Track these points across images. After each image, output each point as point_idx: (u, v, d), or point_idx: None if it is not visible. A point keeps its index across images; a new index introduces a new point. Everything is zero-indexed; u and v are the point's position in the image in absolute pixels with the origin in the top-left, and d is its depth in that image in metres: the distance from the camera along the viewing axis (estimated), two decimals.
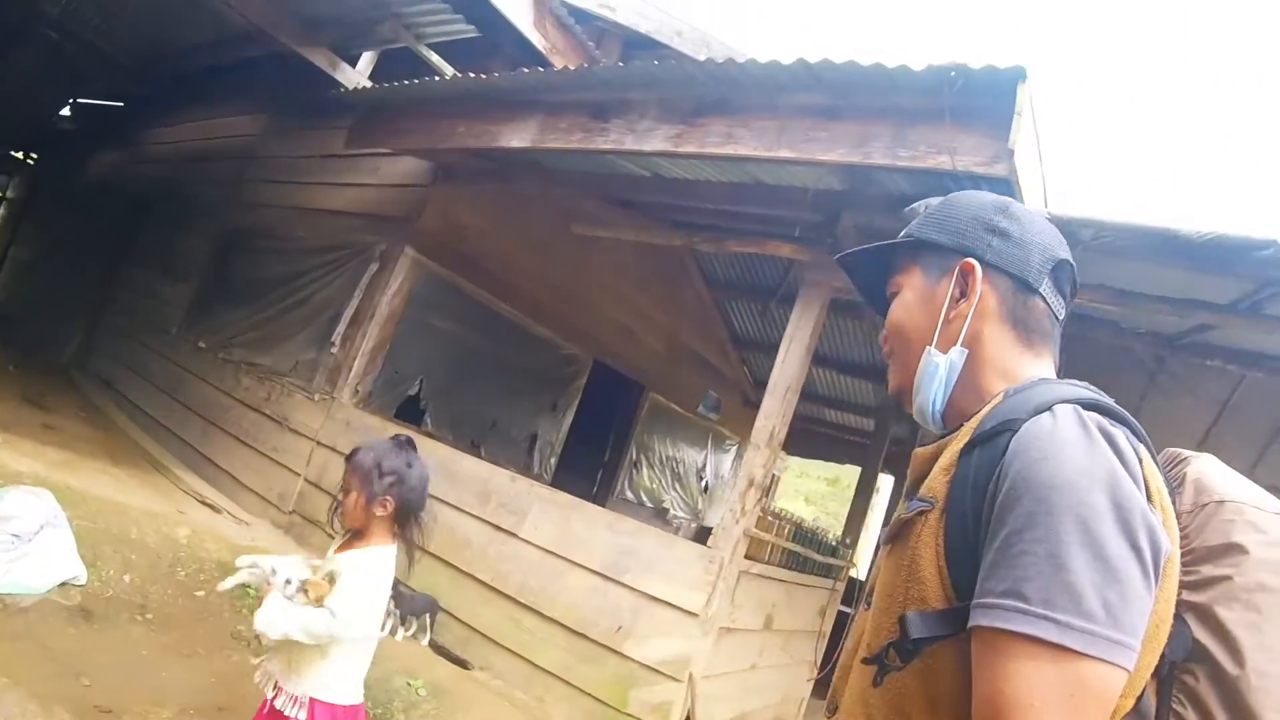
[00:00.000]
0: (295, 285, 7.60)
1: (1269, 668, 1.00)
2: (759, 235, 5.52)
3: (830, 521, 18.44)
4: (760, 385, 12.68)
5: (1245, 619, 1.02)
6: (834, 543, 6.73)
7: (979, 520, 1.01)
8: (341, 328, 6.84)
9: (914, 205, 1.41)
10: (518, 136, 5.06)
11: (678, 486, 12.11)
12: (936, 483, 1.10)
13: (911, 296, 1.31)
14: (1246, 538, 1.06)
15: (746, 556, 4.89)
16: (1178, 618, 1.04)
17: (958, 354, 1.21)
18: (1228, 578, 1.05)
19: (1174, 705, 1.04)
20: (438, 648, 5.10)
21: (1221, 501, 1.11)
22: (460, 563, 5.35)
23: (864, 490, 7.94)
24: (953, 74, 3.44)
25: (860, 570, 8.68)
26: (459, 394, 7.85)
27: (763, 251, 5.33)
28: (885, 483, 12.69)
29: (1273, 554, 1.05)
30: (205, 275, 9.08)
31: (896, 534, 1.15)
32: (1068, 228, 3.49)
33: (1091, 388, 1.11)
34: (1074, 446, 0.96)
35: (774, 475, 16.38)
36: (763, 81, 4.04)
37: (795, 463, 18.27)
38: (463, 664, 4.99)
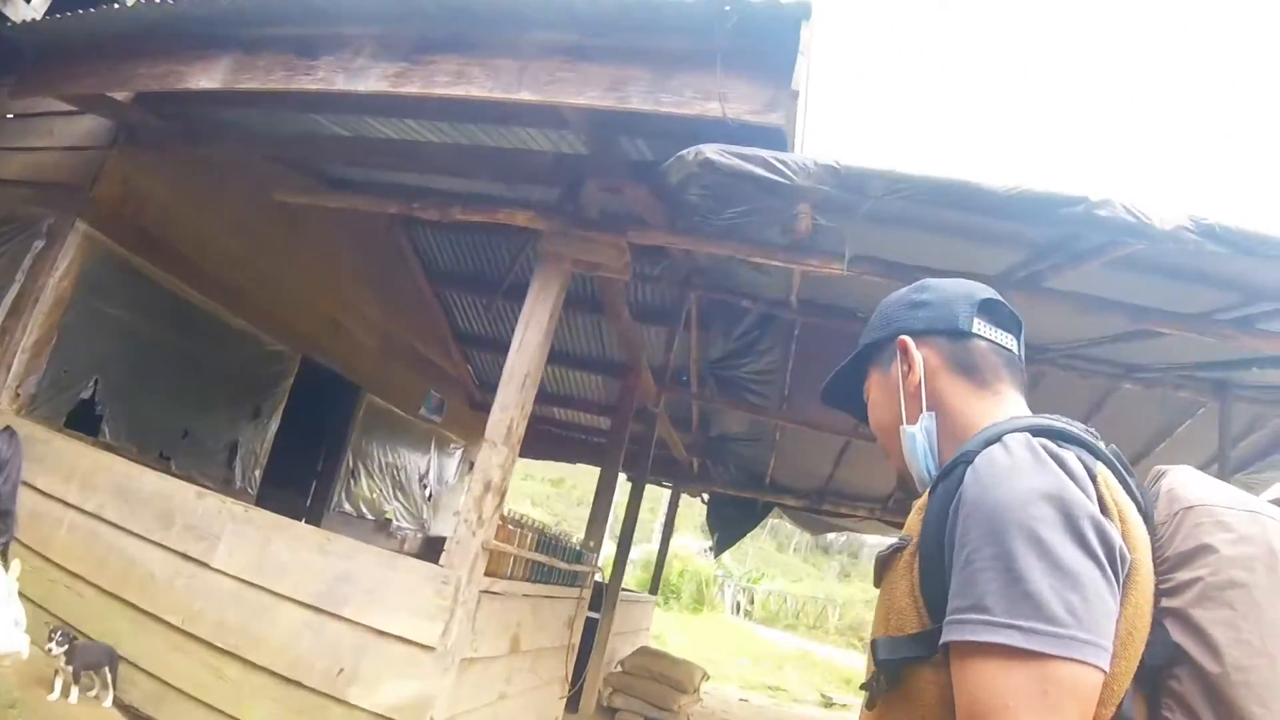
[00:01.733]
0: None
1: (1247, 661, 1.02)
2: (490, 205, 4.84)
3: (556, 524, 18.09)
4: (485, 385, 12.09)
5: (1220, 617, 1.05)
6: (578, 548, 6.19)
7: (944, 547, 1.06)
8: None
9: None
10: (207, 77, 4.22)
11: (400, 495, 11.21)
12: (913, 521, 1.18)
13: (876, 394, 1.45)
14: (1215, 537, 1.10)
15: (487, 573, 4.26)
16: (1158, 625, 1.06)
17: (928, 419, 1.31)
18: (1200, 579, 1.08)
19: (1164, 712, 1.06)
20: (124, 708, 4.14)
21: (1190, 507, 1.15)
22: (143, 602, 4.36)
23: (605, 491, 7.48)
24: (727, 8, 3.01)
25: (605, 574, 8.27)
26: (143, 398, 6.64)
27: (494, 220, 4.70)
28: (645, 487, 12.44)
29: (1241, 549, 1.08)
30: None
31: (880, 573, 1.21)
32: (858, 180, 3.13)
33: (1054, 417, 1.19)
34: (1020, 468, 1.03)
35: None
36: (505, 15, 3.48)
37: (519, 464, 17.84)
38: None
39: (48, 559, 4.68)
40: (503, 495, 4.20)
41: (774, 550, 43.67)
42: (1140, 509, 1.12)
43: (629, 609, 9.64)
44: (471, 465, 13.33)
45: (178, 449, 7.07)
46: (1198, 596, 1.07)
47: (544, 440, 12.60)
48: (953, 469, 1.12)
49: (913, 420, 1.33)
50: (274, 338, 7.89)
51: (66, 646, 3.81)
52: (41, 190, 6.07)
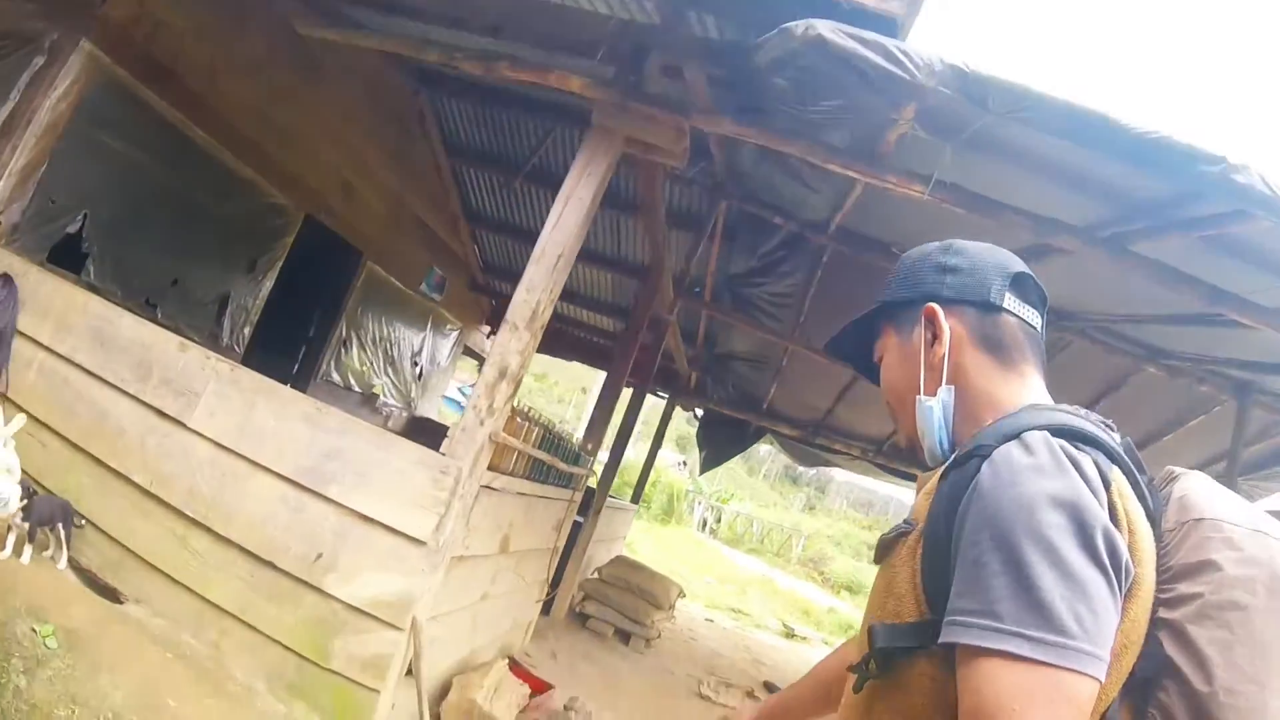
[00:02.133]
0: None
1: (1237, 686, 1.01)
2: (541, 65, 4.35)
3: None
4: (490, 269, 11.68)
5: (1216, 637, 1.03)
6: (576, 449, 5.87)
7: (950, 539, 1.05)
8: None
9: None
10: None
11: (390, 371, 10.84)
12: (920, 506, 1.18)
13: (892, 357, 1.39)
14: (1221, 555, 1.08)
15: (489, 467, 3.92)
16: (1152, 635, 1.06)
17: (946, 393, 1.27)
18: (1200, 595, 1.06)
19: None
20: (79, 570, 3.80)
21: (1200, 519, 1.12)
22: (110, 458, 3.99)
23: (610, 395, 7.15)
24: None
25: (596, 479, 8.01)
26: (134, 239, 6.19)
27: (544, 81, 4.19)
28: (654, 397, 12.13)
29: (1246, 570, 1.06)
30: None
31: (882, 555, 1.22)
32: (982, 89, 2.73)
33: (1074, 411, 1.18)
34: (1037, 471, 1.01)
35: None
36: None
37: None
38: (113, 595, 3.75)
39: (13, 402, 4.31)
40: (517, 384, 3.83)
41: (744, 473, 43.86)
42: (1148, 512, 1.12)
43: (610, 516, 9.41)
44: (466, 349, 13.03)
45: (165, 297, 6.65)
46: (1196, 613, 1.05)
47: (548, 337, 12.23)
48: (968, 459, 1.10)
49: (931, 392, 1.29)
50: (279, 191, 7.41)
51: (25, 500, 3.44)
52: (47, 4, 5.55)
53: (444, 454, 3.68)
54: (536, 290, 3.82)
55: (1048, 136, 3.07)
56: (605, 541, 9.83)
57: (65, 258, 5.71)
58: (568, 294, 10.98)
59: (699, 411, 12.96)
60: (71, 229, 5.71)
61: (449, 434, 3.72)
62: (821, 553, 30.44)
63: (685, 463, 39.11)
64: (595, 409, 7.22)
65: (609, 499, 9.19)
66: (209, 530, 3.75)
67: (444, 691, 4.26)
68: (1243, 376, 5.74)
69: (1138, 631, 1.05)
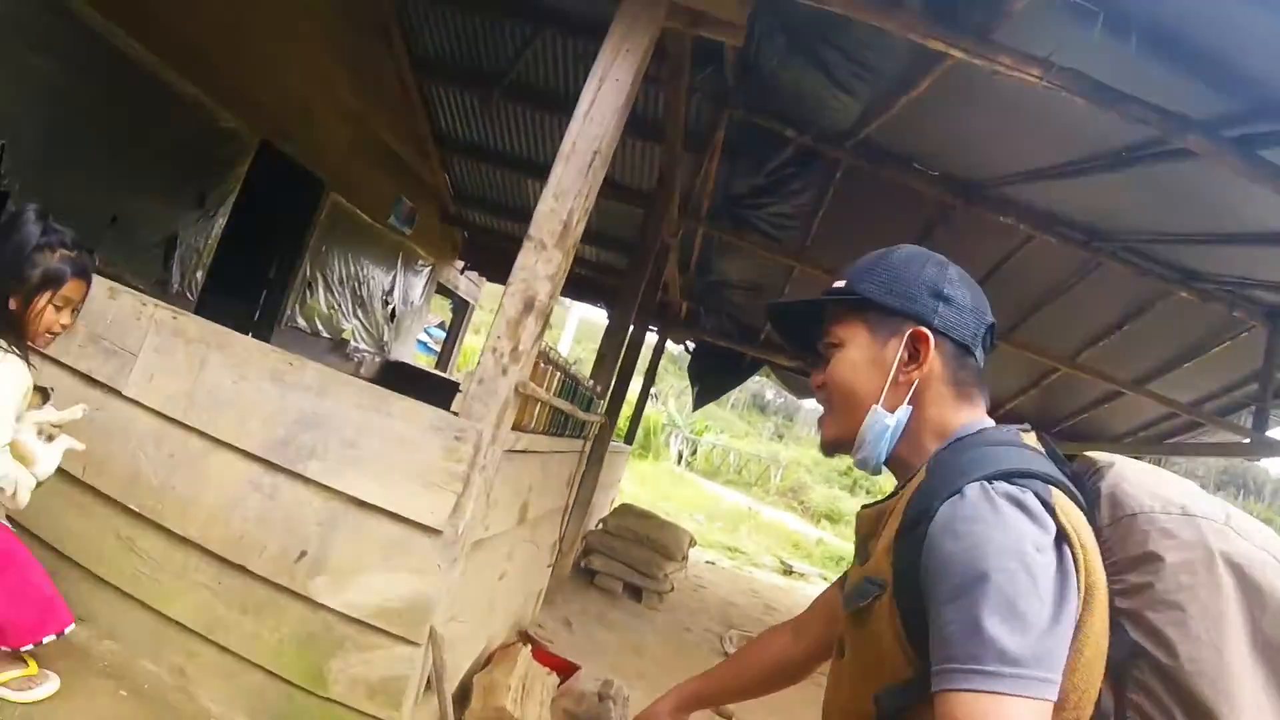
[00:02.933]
0: None
1: (1198, 654, 1.12)
2: None
3: None
4: (462, 197, 10.80)
5: (1171, 618, 1.14)
6: (588, 393, 5.08)
7: (921, 598, 1.13)
8: None
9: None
10: None
11: (360, 313, 9.97)
12: (882, 565, 1.23)
13: (858, 355, 1.38)
14: (1159, 545, 1.17)
15: (512, 425, 3.14)
16: (1115, 624, 1.16)
17: (904, 413, 1.32)
18: (1150, 584, 1.16)
19: (1130, 695, 1.16)
20: None
21: (1134, 515, 1.21)
22: None
23: (617, 332, 6.40)
24: None
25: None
26: (63, 172, 5.27)
27: None
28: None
29: (1185, 555, 1.16)
30: None
31: (858, 614, 1.26)
32: None
33: (1011, 439, 1.27)
34: (981, 524, 1.10)
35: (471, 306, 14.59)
36: None
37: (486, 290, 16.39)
38: None
39: None
40: (546, 320, 3.02)
41: (714, 405, 43.29)
42: (1084, 514, 1.19)
43: (610, 460, 8.69)
44: (439, 286, 12.17)
45: (103, 240, 5.73)
46: (1149, 601, 1.16)
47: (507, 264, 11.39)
48: (916, 524, 1.17)
49: (890, 407, 1.33)
50: (229, 113, 6.49)
51: None
52: None
53: (457, 414, 2.89)
54: (568, 197, 2.97)
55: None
56: (603, 488, 9.12)
57: None
58: None
59: (690, 345, 12.23)
60: None
61: (463, 388, 2.91)
62: (799, 481, 30.18)
63: (657, 395, 38.64)
64: (602, 345, 6.46)
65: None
66: (160, 527, 2.93)
67: (463, 695, 3.54)
68: (1276, 301, 5.55)
69: (1103, 627, 1.14)
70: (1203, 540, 1.17)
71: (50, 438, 2.53)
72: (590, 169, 2.99)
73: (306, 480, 2.85)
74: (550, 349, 3.72)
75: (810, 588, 13.36)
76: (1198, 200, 4.48)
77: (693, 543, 9.14)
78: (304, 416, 2.91)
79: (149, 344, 3.07)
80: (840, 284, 1.43)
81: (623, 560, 7.82)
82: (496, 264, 11.94)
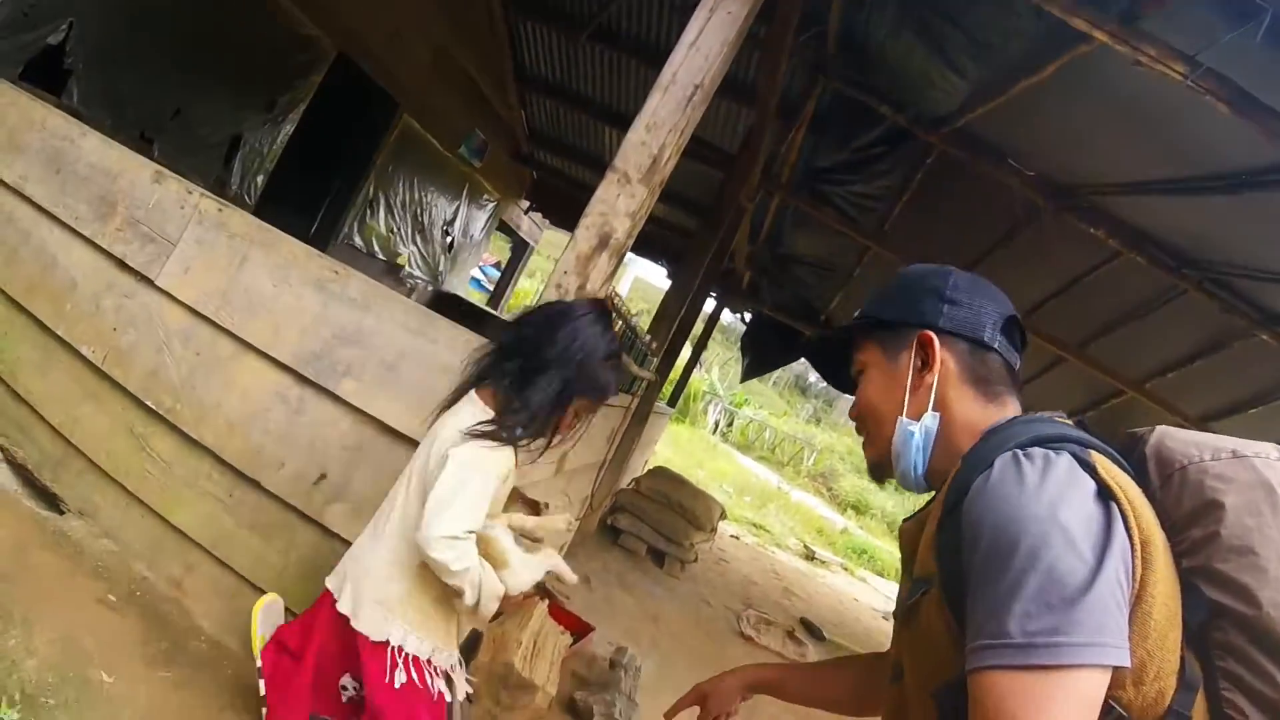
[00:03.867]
0: None
1: (1279, 595, 1.05)
2: None
3: None
4: (537, 137, 10.60)
5: (1245, 564, 1.07)
6: (644, 348, 4.87)
7: (965, 582, 1.08)
8: None
9: None
10: None
11: (419, 240, 9.84)
12: (926, 561, 1.20)
13: (877, 374, 1.41)
14: (1217, 491, 1.12)
15: None
16: (1187, 585, 1.09)
17: (931, 419, 1.31)
18: (1216, 534, 1.10)
19: (1216, 662, 1.07)
20: (15, 466, 2.93)
21: (1183, 467, 1.16)
22: (56, 322, 3.02)
23: (678, 294, 6.19)
24: None
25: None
26: (129, 59, 5.15)
27: None
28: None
29: (1245, 496, 1.11)
30: None
31: (908, 617, 1.24)
32: None
33: (1042, 418, 1.24)
34: (1010, 490, 1.06)
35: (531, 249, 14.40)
36: None
37: (546, 236, 16.19)
38: (53, 502, 2.87)
39: None
40: (620, 258, 2.81)
41: (756, 379, 43.12)
42: (1133, 479, 1.14)
43: (651, 421, 8.51)
44: (501, 224, 11.99)
45: (164, 132, 5.63)
46: (1217, 551, 1.09)
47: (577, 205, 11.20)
48: (954, 508, 1.14)
49: (914, 416, 1.32)
50: (310, 20, 6.32)
51: None
52: None
53: None
54: (661, 130, 2.72)
55: None
56: (641, 448, 8.97)
57: (45, 76, 4.70)
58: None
59: (747, 315, 11.97)
60: (53, 40, 4.70)
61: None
62: (831, 467, 29.87)
63: (702, 361, 38.40)
64: (662, 310, 6.25)
65: None
66: (175, 429, 2.80)
67: (473, 645, 3.39)
68: None
69: (1170, 584, 1.07)
70: (1261, 478, 1.13)
71: (531, 550, 2.31)
72: (690, 103, 2.75)
73: (337, 399, 2.70)
74: (615, 294, 3.52)
75: (831, 576, 13.20)
76: None
77: (723, 515, 8.99)
78: (344, 331, 2.74)
79: (189, 235, 2.92)
80: (857, 314, 1.48)
81: (651, 523, 7.67)
82: (562, 209, 11.77)
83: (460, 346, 2.66)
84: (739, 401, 33.94)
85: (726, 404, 32.75)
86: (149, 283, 2.91)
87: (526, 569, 2.20)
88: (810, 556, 14.23)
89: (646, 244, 11.41)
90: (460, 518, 1.97)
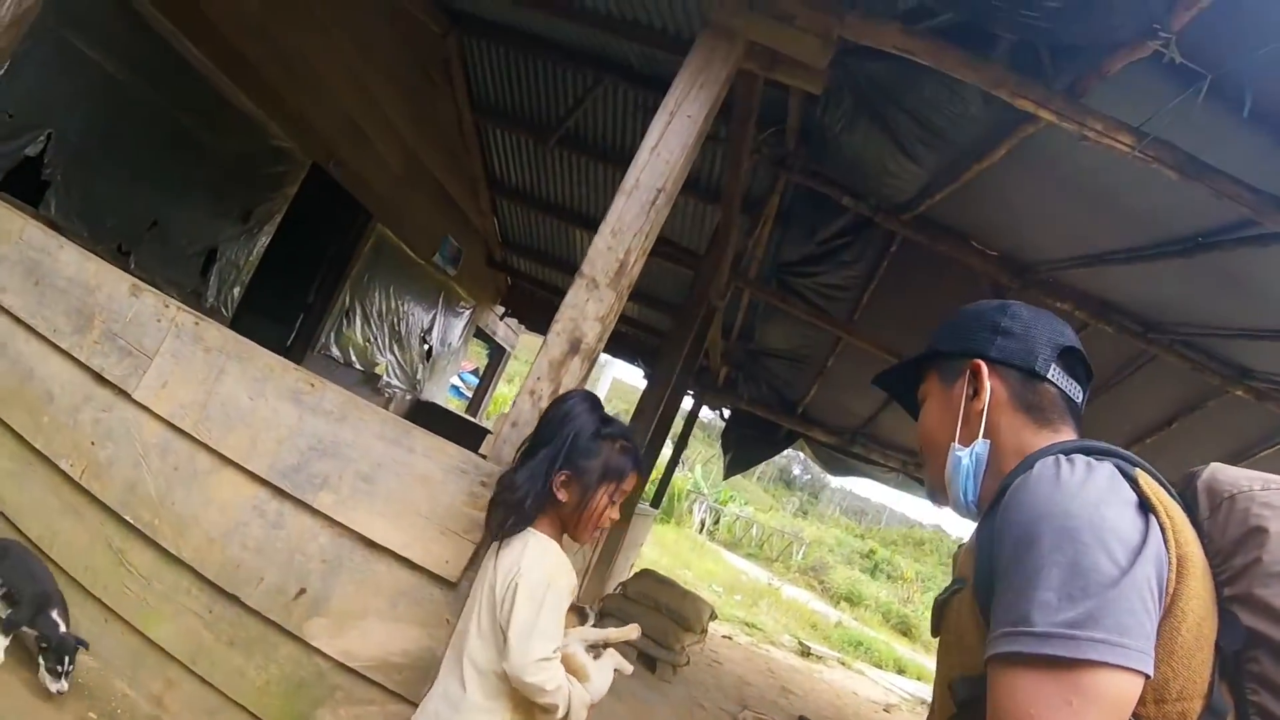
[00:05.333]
0: None
1: None
2: None
3: None
4: (510, 244, 10.70)
5: None
6: None
7: (995, 580, 1.08)
8: None
9: None
10: None
11: (396, 348, 9.83)
12: (965, 563, 1.21)
13: (933, 404, 1.45)
14: (1262, 519, 1.09)
15: None
16: (1226, 613, 1.06)
17: (981, 446, 1.33)
18: (1258, 560, 1.06)
19: (1249, 696, 1.04)
20: None
21: (1231, 496, 1.14)
22: (34, 434, 2.95)
23: (656, 392, 6.16)
24: None
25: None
26: (107, 170, 5.20)
27: None
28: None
29: None
30: None
31: (939, 617, 1.26)
32: None
33: (1091, 442, 1.21)
34: (1047, 487, 1.07)
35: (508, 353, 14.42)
36: None
37: (523, 341, 16.22)
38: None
39: None
40: (592, 363, 2.80)
41: (738, 475, 42.95)
42: (1184, 511, 1.12)
43: (634, 522, 8.41)
44: (478, 330, 12.01)
45: (141, 243, 5.64)
46: (1258, 577, 1.05)
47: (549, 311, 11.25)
48: (994, 506, 1.16)
49: (965, 443, 1.34)
50: (283, 132, 6.41)
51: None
52: None
53: (485, 457, 2.66)
54: (626, 234, 2.75)
55: None
56: (625, 550, 8.84)
57: (22, 186, 4.71)
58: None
59: (725, 411, 11.96)
60: (31, 151, 4.73)
61: (494, 430, 2.69)
62: (821, 560, 29.63)
63: (685, 461, 38.28)
64: (641, 407, 6.22)
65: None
66: (154, 543, 2.72)
67: None
68: None
69: (1205, 605, 1.04)
70: None
71: (596, 654, 2.33)
72: (653, 207, 2.78)
73: (315, 512, 2.63)
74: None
75: (828, 671, 12.96)
76: (1257, 293, 4.25)
77: (714, 616, 8.81)
78: (320, 443, 2.70)
79: (166, 347, 2.89)
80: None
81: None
82: (537, 313, 11.82)
83: (436, 455, 2.63)
84: (724, 499, 33.79)
85: (711, 502, 32.58)
86: (126, 396, 2.87)
87: (601, 675, 2.25)
88: (806, 652, 13.97)
89: (622, 344, 11.47)
90: (545, 640, 2.02)
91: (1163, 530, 1.04)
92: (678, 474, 31.26)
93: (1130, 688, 0.94)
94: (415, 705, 2.46)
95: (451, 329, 11.06)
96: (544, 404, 2.65)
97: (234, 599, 2.62)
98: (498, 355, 14.51)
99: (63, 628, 2.47)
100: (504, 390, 17.49)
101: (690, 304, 6.18)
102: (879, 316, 6.81)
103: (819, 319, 7.02)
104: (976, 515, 1.31)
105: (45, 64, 4.57)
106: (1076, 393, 1.35)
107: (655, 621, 7.51)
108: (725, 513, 32.85)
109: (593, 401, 2.32)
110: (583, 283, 2.75)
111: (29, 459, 2.96)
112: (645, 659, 7.46)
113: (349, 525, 2.60)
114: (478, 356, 17.42)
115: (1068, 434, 1.30)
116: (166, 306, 2.96)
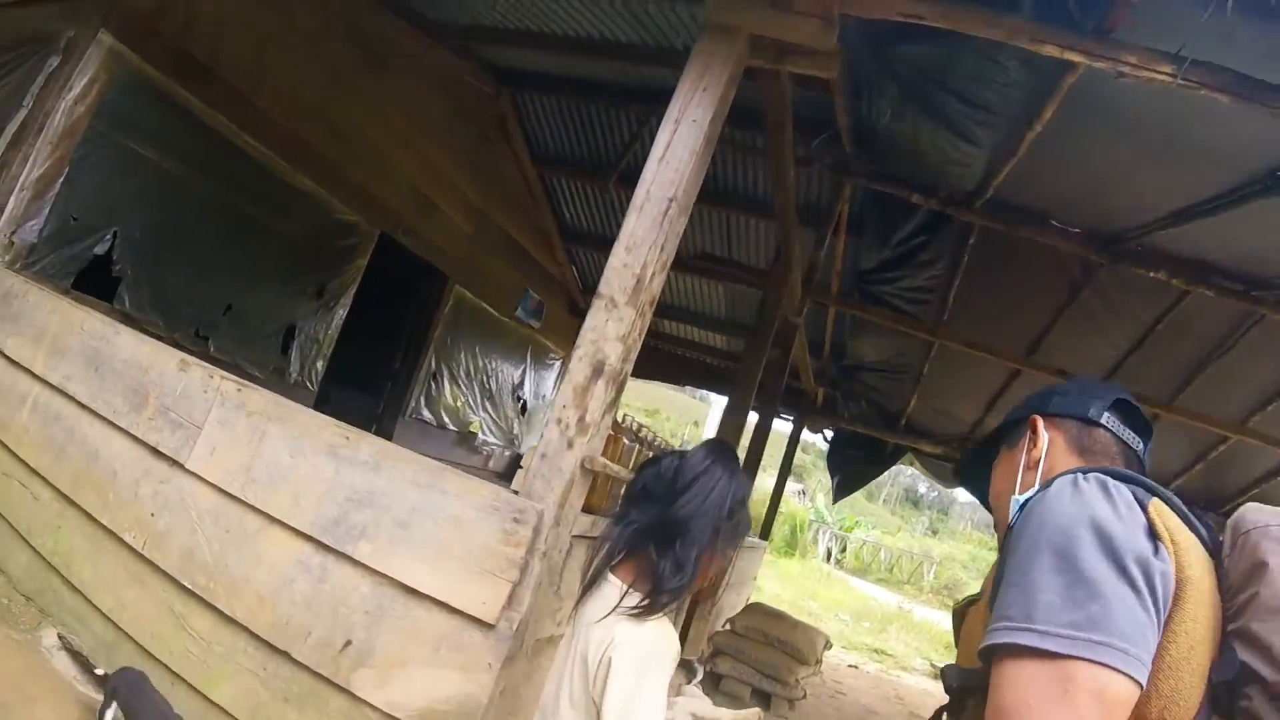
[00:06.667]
0: None
1: None
2: None
3: None
4: (590, 290, 10.71)
5: (1277, 626, 1.02)
6: None
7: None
8: None
9: None
10: None
11: (489, 406, 9.92)
12: (989, 577, 1.22)
13: (1000, 466, 1.50)
14: (1266, 553, 1.08)
15: (586, 508, 2.81)
16: (1226, 645, 1.06)
17: (1035, 491, 1.28)
18: (1256, 594, 1.06)
19: None
20: (73, 654, 2.93)
21: (1247, 531, 1.13)
22: (100, 511, 3.09)
23: (734, 418, 6.04)
24: None
25: None
26: (174, 261, 5.38)
27: None
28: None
29: None
30: None
31: (958, 626, 1.35)
32: None
33: (1114, 468, 1.20)
34: (1060, 499, 1.10)
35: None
36: None
37: None
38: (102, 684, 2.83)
39: (5, 447, 3.49)
40: (621, 386, 2.71)
41: (864, 499, 42.09)
42: (1206, 545, 1.13)
43: (741, 557, 8.24)
44: None
45: (217, 327, 5.81)
46: (1255, 612, 1.05)
47: (644, 354, 11.23)
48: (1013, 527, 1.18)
49: (1024, 491, 1.36)
50: (346, 205, 6.56)
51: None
52: (66, 4, 4.81)
53: (517, 492, 2.60)
54: (641, 249, 2.70)
55: None
56: (735, 586, 8.67)
57: (95, 283, 4.91)
58: (672, 310, 9.99)
59: (828, 433, 11.71)
60: (99, 250, 4.92)
61: (523, 463, 2.64)
62: (954, 578, 28.69)
63: (805, 490, 37.77)
64: (721, 431, 6.12)
65: None
66: (211, 606, 2.77)
67: None
68: None
69: (1201, 631, 1.04)
70: None
71: None
72: (666, 218, 2.72)
73: (355, 563, 2.63)
74: (636, 423, 3.41)
75: None
76: None
77: (828, 645, 8.55)
78: (357, 493, 2.70)
79: (213, 416, 2.98)
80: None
81: (751, 663, 7.31)
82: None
83: (468, 494, 2.58)
84: (849, 526, 33.16)
85: (836, 530, 31.99)
86: (180, 466, 2.99)
87: None
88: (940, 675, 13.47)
89: (715, 378, 11.36)
90: (647, 715, 1.78)
91: (1165, 555, 1.04)
92: (798, 505, 30.77)
93: (1125, 692, 0.96)
94: None
95: (543, 381, 11.12)
96: (571, 433, 2.59)
97: (285, 655, 2.63)
98: None
99: None
100: None
101: (761, 324, 6.06)
102: (969, 314, 6.60)
103: (907, 325, 6.83)
104: None
105: (103, 167, 4.77)
106: (1135, 442, 1.37)
107: (766, 655, 7.32)
108: (851, 540, 32.19)
109: (722, 457, 2.01)
110: (601, 303, 2.70)
111: (99, 536, 3.09)
112: (759, 695, 7.26)
113: (387, 573, 2.59)
114: None
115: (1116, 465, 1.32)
116: (211, 377, 3.06)
